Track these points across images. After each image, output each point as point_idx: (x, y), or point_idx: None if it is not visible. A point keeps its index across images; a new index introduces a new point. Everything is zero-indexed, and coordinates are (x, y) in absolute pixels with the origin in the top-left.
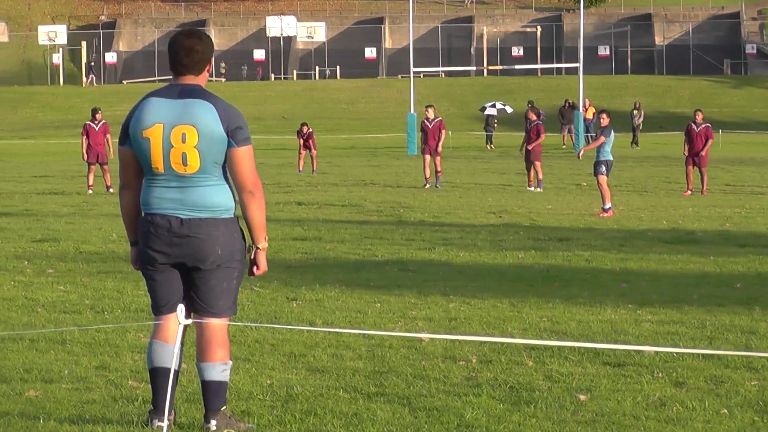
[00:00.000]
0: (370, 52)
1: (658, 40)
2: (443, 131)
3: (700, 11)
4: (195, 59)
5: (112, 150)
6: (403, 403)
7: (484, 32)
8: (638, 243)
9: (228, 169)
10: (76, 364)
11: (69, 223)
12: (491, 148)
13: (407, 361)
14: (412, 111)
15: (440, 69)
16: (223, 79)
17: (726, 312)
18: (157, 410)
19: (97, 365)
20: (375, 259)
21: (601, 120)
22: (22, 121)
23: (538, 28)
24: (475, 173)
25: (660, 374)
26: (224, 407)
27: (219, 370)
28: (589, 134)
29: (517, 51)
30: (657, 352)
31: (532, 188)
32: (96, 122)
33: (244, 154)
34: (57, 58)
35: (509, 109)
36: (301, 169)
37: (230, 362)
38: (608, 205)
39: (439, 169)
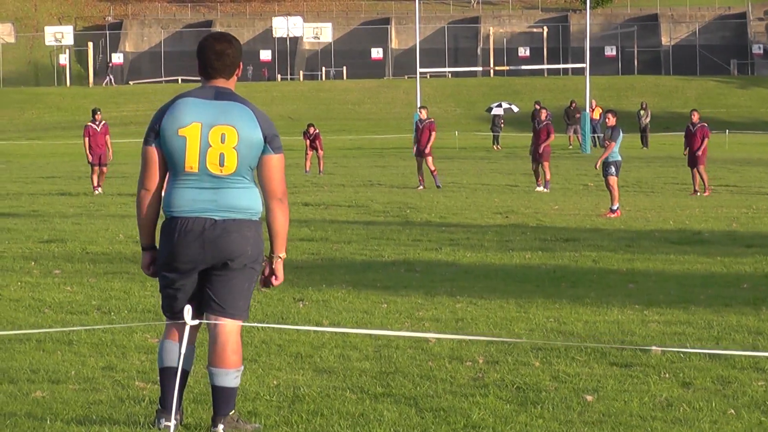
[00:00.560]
0: (376, 53)
1: (665, 40)
2: (433, 132)
3: (707, 11)
4: (226, 63)
5: (111, 151)
6: (409, 403)
7: (491, 33)
8: (645, 243)
9: (259, 175)
10: (83, 364)
11: (76, 223)
12: (498, 148)
13: (414, 362)
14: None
15: (447, 69)
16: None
17: (733, 312)
18: (164, 410)
19: (104, 366)
20: (382, 260)
21: (608, 120)
22: (29, 121)
23: (545, 28)
24: (481, 174)
25: (667, 375)
26: (233, 412)
27: (232, 377)
28: (595, 135)
29: (523, 51)
30: (664, 353)
31: (540, 188)
32: (97, 123)
33: (278, 162)
34: (63, 59)
35: (515, 109)
36: (307, 169)
37: (242, 367)
38: (616, 205)
39: (432, 168)
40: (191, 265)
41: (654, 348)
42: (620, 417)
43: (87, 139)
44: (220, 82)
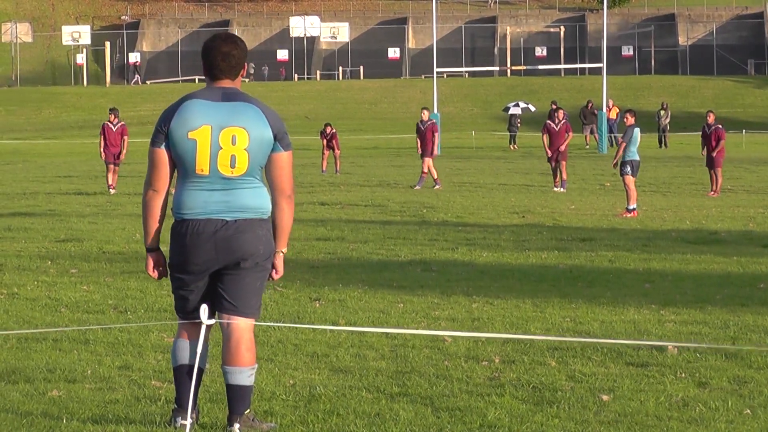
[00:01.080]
0: (393, 53)
1: (682, 40)
2: (436, 134)
3: (724, 11)
4: (232, 64)
5: (125, 151)
6: (425, 403)
7: (508, 32)
8: (661, 243)
9: (267, 173)
10: (100, 363)
11: (92, 223)
12: (515, 148)
13: (430, 361)
14: (435, 111)
15: (463, 69)
16: (247, 80)
17: (749, 312)
18: (180, 408)
19: (120, 365)
20: (398, 260)
21: (626, 120)
22: (46, 121)
23: (562, 28)
24: (498, 173)
25: (683, 374)
26: (248, 411)
27: (247, 375)
28: (612, 134)
29: (540, 51)
30: (680, 352)
31: (557, 188)
32: (113, 123)
33: (287, 159)
34: (81, 59)
35: (533, 108)
36: (324, 169)
37: (256, 366)
38: (633, 205)
39: (424, 170)
40: (204, 266)
41: (670, 346)
42: (636, 417)
43: (103, 138)
44: (226, 83)
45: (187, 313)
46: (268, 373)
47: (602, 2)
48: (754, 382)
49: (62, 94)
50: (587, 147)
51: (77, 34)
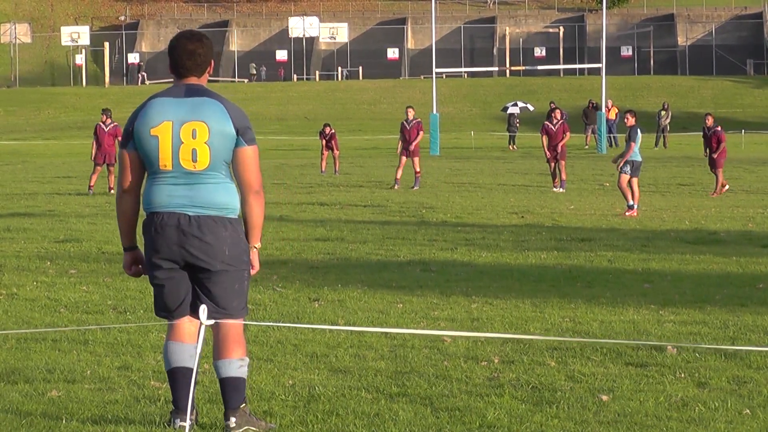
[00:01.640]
0: (392, 53)
1: (681, 40)
2: (421, 132)
3: (723, 11)
4: (197, 62)
5: (116, 153)
6: (425, 403)
7: (507, 33)
8: (661, 243)
9: (234, 169)
10: (99, 364)
11: (91, 223)
12: (514, 148)
13: (429, 362)
14: (434, 111)
15: (462, 69)
16: (246, 80)
17: (749, 312)
18: (178, 410)
19: (120, 365)
20: (397, 260)
21: (626, 120)
22: (45, 121)
23: (561, 28)
24: (497, 174)
25: (682, 374)
26: (243, 405)
27: (236, 366)
28: (611, 135)
29: (539, 51)
30: (679, 352)
31: (557, 189)
32: (105, 124)
33: (252, 153)
34: (80, 59)
35: (531, 108)
36: (323, 169)
37: (247, 359)
38: (631, 202)
39: (417, 169)
40: (170, 257)
41: (669, 346)
42: (635, 417)
43: (95, 138)
44: (192, 80)
45: (168, 312)
46: (267, 374)
47: (601, 2)
48: (753, 382)
49: (61, 95)
50: (587, 147)
51: (76, 35)
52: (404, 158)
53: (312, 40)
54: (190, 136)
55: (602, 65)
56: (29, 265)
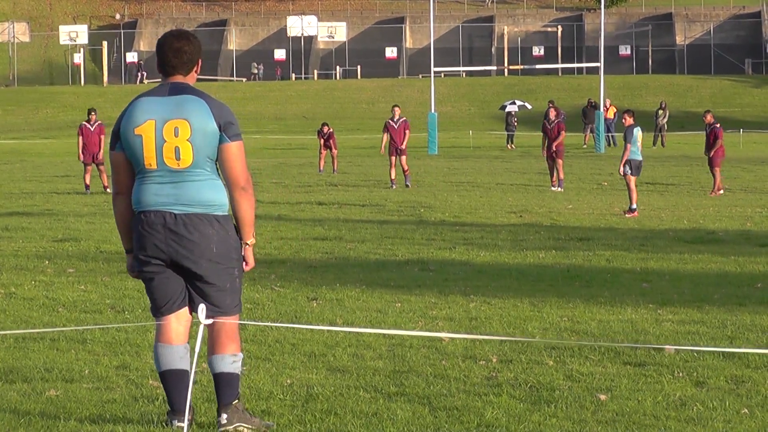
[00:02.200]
0: (390, 52)
1: (679, 39)
2: (408, 131)
3: (721, 11)
4: (183, 60)
5: (102, 151)
6: (423, 402)
7: (505, 32)
8: (659, 243)
9: (220, 165)
10: (97, 363)
11: (90, 222)
12: (512, 147)
13: (427, 361)
14: (433, 110)
15: (461, 69)
16: (244, 79)
17: (747, 312)
18: (174, 411)
19: (118, 365)
20: (395, 259)
21: (624, 120)
22: (44, 120)
23: (559, 27)
24: (495, 173)
25: (681, 374)
26: (236, 401)
27: (229, 361)
28: (610, 134)
29: (537, 50)
30: (677, 352)
31: (555, 188)
32: (91, 123)
33: (237, 149)
34: (78, 58)
35: (529, 106)
36: (321, 168)
37: (240, 354)
38: (634, 205)
39: (406, 167)
40: (158, 255)
41: (667, 347)
42: (634, 416)
43: (81, 138)
44: (178, 79)
45: (157, 309)
46: (265, 373)
47: (599, 1)
48: (751, 382)
49: (60, 94)
50: (585, 146)
51: (74, 34)
52: (393, 158)
53: (310, 39)
54: (172, 134)
55: (600, 64)
56: (27, 264)
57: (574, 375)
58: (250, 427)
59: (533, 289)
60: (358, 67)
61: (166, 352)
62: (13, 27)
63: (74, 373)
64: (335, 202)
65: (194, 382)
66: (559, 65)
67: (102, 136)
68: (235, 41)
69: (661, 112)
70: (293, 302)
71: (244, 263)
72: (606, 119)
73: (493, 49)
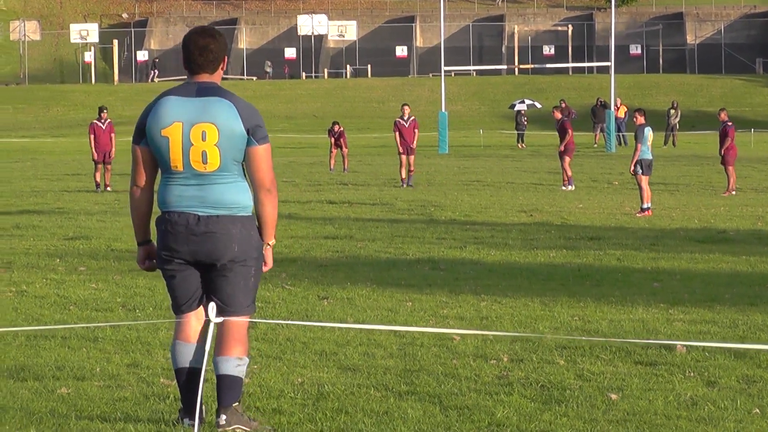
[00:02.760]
0: (401, 51)
1: (690, 38)
2: (417, 130)
3: (732, 10)
4: (209, 58)
5: (113, 149)
6: (434, 401)
7: (516, 31)
8: (670, 242)
9: (246, 167)
10: (108, 361)
11: (100, 221)
12: (522, 146)
13: (438, 360)
14: (443, 110)
15: (471, 68)
16: (255, 78)
17: (758, 311)
18: (186, 409)
19: (129, 363)
20: (406, 258)
21: (635, 119)
22: (55, 119)
23: (570, 26)
24: (506, 172)
25: (692, 373)
26: (237, 404)
27: (233, 364)
28: (620, 133)
29: (548, 50)
30: (689, 351)
31: (566, 187)
32: (102, 121)
33: (263, 152)
34: (89, 57)
35: (539, 105)
36: (332, 167)
37: (246, 359)
38: (646, 204)
39: (412, 167)
40: (181, 258)
41: (679, 345)
42: (645, 416)
43: (92, 136)
44: (204, 77)
45: (178, 307)
46: (276, 371)
47: (610, 1)
48: (762, 382)
49: (70, 92)
50: (595, 146)
51: (85, 32)
52: (404, 157)
53: (321, 38)
54: (199, 138)
55: (611, 64)
56: (38, 262)
57: (585, 374)
58: (247, 430)
59: (544, 289)
60: (369, 66)
61: (184, 350)
62: (24, 25)
63: (85, 371)
64: (346, 201)
65: (205, 381)
66: (570, 64)
67: (113, 135)
68: (245, 40)
69: (673, 111)
70: (304, 301)
71: (262, 264)
72: (617, 118)
73: (503, 48)
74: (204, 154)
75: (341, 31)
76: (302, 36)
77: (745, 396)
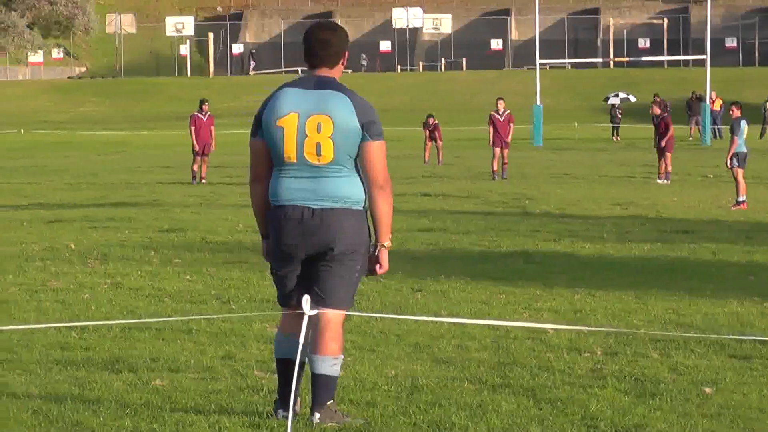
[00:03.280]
0: (496, 44)
1: None
2: (512, 124)
3: None
4: (329, 52)
5: (214, 142)
6: (527, 394)
7: (611, 24)
8: (765, 235)
9: (359, 163)
10: (202, 353)
11: (195, 213)
12: (617, 139)
13: (532, 353)
14: (537, 103)
15: (566, 61)
16: (350, 71)
17: None
18: (282, 400)
19: (223, 355)
20: (499, 251)
21: (731, 113)
22: (150, 111)
23: (665, 19)
24: (600, 165)
25: None
26: (331, 401)
27: (329, 364)
28: (715, 126)
29: (643, 43)
30: None
31: (661, 180)
32: (203, 113)
33: (377, 149)
34: (184, 50)
35: (633, 98)
36: (426, 160)
37: (341, 357)
38: (741, 197)
39: (505, 160)
40: (291, 252)
41: None
42: (739, 410)
43: (193, 128)
44: (324, 71)
45: (286, 300)
46: (369, 364)
47: None
48: None
49: (165, 85)
50: (690, 139)
51: (180, 25)
52: (497, 150)
53: (415, 31)
54: (315, 129)
55: (707, 57)
56: (133, 254)
57: (679, 368)
58: (341, 426)
59: (637, 282)
60: (464, 59)
61: (286, 341)
62: (120, 18)
63: (180, 363)
64: (440, 194)
65: (301, 374)
66: (665, 57)
67: (212, 128)
68: None
69: None
70: (398, 293)
71: (377, 266)
72: (712, 111)
73: (598, 42)
74: (318, 146)
75: (436, 24)
76: (397, 29)
77: None
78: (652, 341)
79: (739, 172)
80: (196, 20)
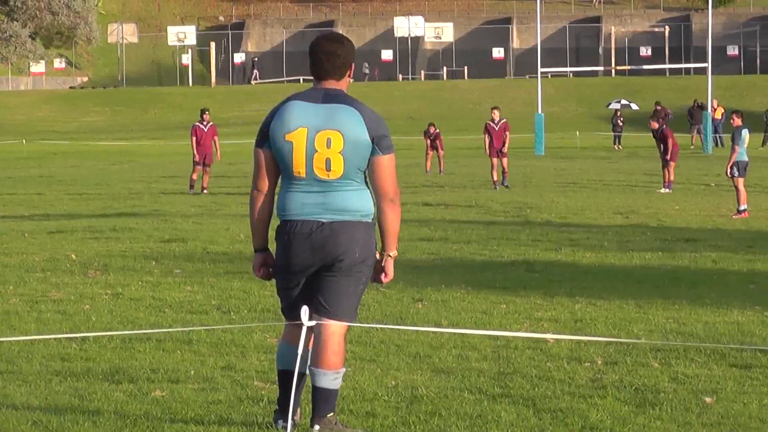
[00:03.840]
0: (497, 52)
1: None
2: (508, 132)
3: None
4: (336, 64)
5: (219, 152)
6: (527, 404)
7: (612, 32)
8: (766, 244)
9: (369, 176)
10: (203, 364)
11: (196, 223)
12: (619, 148)
13: (532, 363)
14: (539, 111)
15: (568, 69)
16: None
17: None
18: (282, 411)
19: (224, 365)
20: (501, 260)
21: (732, 121)
22: (152, 121)
23: (667, 27)
24: (602, 173)
25: None
26: (331, 414)
27: (330, 378)
28: (717, 135)
29: (645, 51)
30: None
31: (663, 189)
32: (204, 123)
33: (388, 162)
34: (186, 59)
35: (635, 106)
36: (428, 169)
37: (343, 370)
38: (743, 206)
39: (505, 169)
40: (300, 267)
41: None
42: (739, 419)
43: (194, 138)
44: (331, 83)
45: (291, 312)
46: (370, 374)
47: (707, 2)
48: None
49: (168, 95)
50: (692, 147)
51: (182, 35)
52: (495, 160)
53: (417, 40)
54: (324, 145)
55: (708, 65)
56: (134, 264)
57: (680, 377)
58: None
59: (639, 291)
60: (465, 67)
61: (289, 351)
62: (122, 28)
63: (180, 373)
64: (441, 203)
65: (301, 385)
66: (667, 65)
67: (215, 138)
68: None
69: None
70: (398, 303)
71: (383, 275)
72: (713, 120)
73: (600, 50)
74: (328, 162)
75: (438, 33)
76: (399, 38)
77: None
78: (653, 350)
79: (740, 182)
80: (198, 30)
